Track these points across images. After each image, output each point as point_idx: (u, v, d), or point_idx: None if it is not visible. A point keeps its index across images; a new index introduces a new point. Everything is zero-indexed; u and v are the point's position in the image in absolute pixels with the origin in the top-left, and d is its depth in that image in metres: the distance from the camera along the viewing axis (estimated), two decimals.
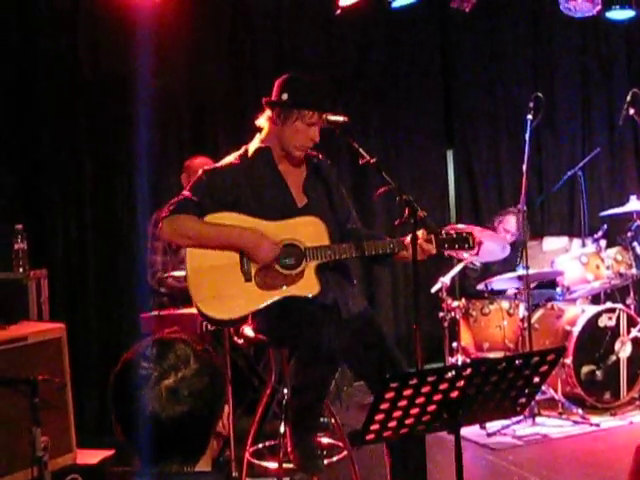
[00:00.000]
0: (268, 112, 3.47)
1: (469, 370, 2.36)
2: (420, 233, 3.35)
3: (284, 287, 3.35)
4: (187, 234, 3.36)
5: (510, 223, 6.09)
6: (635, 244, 5.62)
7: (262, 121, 3.52)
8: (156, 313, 4.53)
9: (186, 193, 3.40)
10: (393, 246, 3.41)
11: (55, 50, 5.46)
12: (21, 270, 4.38)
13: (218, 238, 3.35)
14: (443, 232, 3.45)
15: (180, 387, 1.66)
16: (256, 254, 3.32)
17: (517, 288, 5.56)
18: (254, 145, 3.52)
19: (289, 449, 3.40)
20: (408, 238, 3.29)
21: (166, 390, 1.65)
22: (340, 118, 3.36)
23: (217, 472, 1.75)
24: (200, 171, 3.47)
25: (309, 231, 3.40)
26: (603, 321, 5.48)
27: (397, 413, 2.38)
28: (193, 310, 4.37)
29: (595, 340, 5.45)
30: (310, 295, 3.33)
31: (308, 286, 3.34)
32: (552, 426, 5.11)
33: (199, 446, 1.72)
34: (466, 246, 3.46)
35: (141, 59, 5.31)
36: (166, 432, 1.65)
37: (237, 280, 3.34)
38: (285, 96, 3.40)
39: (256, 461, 3.93)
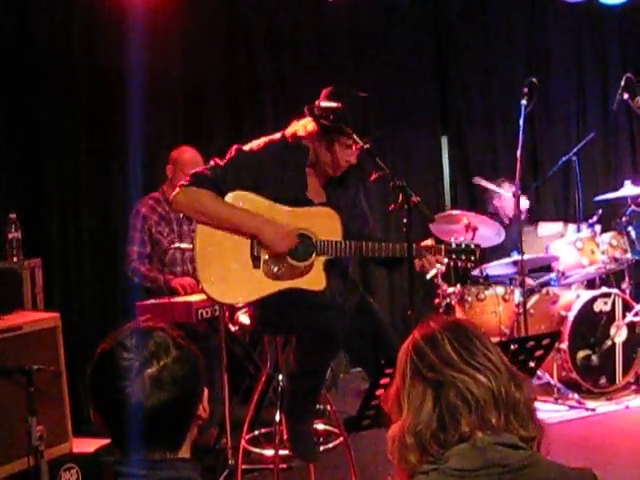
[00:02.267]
0: (310, 121, 3.38)
1: None
2: (429, 241, 3.36)
3: (291, 279, 3.31)
4: (203, 211, 3.30)
5: (510, 206, 6.07)
6: (630, 229, 5.62)
7: (305, 122, 3.41)
8: (152, 301, 4.52)
9: (213, 167, 3.33)
10: (402, 250, 3.30)
11: (51, 45, 5.42)
12: (15, 259, 4.37)
13: (234, 222, 3.30)
14: (452, 241, 3.42)
15: (163, 375, 1.65)
16: (271, 243, 3.28)
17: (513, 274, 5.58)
18: (297, 132, 3.41)
19: (285, 436, 3.40)
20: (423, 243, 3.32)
21: (150, 379, 1.64)
22: (332, 104, 3.30)
23: (195, 459, 1.75)
24: (234, 148, 3.39)
25: (324, 223, 3.36)
26: (598, 306, 5.49)
27: None
28: (188, 298, 4.40)
29: (590, 325, 5.46)
30: (317, 289, 3.30)
31: (316, 280, 3.31)
32: (548, 411, 5.11)
33: (181, 432, 1.71)
34: (472, 258, 3.42)
35: (136, 52, 5.27)
36: (149, 421, 1.64)
37: (245, 265, 3.31)
38: (330, 118, 3.28)
39: (252, 448, 3.93)
